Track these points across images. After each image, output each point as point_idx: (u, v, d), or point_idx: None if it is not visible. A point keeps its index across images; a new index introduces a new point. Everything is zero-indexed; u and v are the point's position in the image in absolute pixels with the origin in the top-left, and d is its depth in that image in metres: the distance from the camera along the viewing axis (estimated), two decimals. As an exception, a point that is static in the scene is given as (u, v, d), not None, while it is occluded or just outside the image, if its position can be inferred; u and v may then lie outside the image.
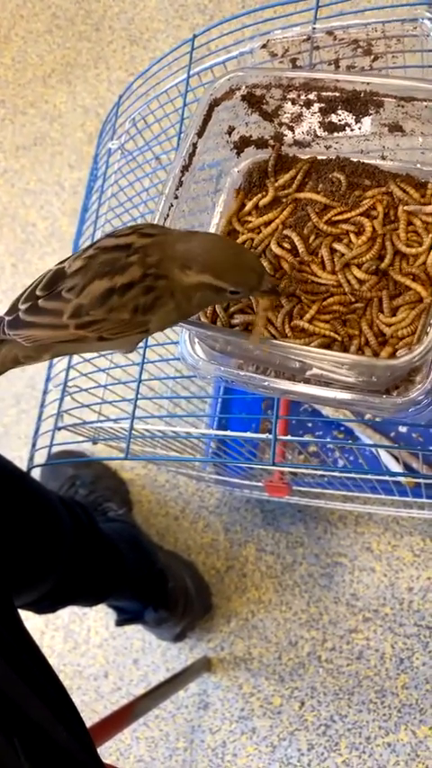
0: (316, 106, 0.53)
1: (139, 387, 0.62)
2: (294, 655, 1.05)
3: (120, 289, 0.44)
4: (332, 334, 0.49)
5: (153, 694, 0.97)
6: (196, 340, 0.52)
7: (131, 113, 0.79)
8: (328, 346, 0.50)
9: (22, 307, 0.47)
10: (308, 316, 0.50)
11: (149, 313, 0.45)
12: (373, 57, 0.57)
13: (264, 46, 0.60)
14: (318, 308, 0.50)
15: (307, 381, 0.48)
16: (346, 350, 0.48)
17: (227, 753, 1.04)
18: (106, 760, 1.12)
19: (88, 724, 0.86)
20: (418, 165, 0.54)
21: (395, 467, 0.91)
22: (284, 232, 0.53)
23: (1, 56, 1.67)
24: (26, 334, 0.46)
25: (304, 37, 0.58)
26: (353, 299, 0.50)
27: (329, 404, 0.46)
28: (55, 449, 0.74)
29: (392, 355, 0.47)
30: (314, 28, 0.59)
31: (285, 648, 1.06)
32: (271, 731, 1.03)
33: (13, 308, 0.48)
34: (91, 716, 1.12)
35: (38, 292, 0.47)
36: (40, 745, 0.46)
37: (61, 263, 0.48)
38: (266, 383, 0.49)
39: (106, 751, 1.10)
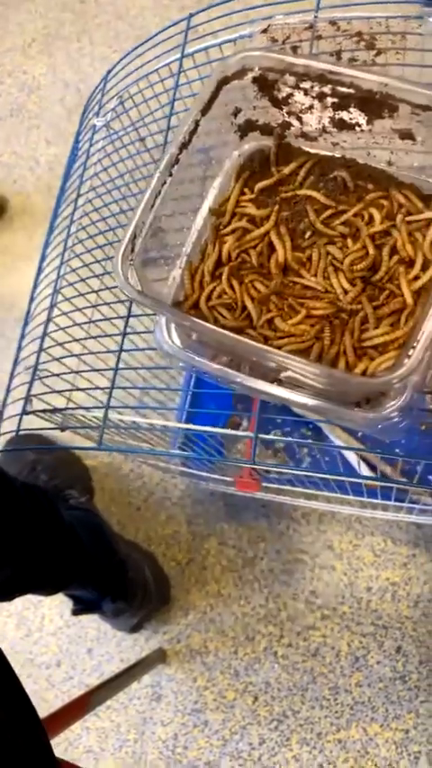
0: (329, 100, 0.51)
1: (115, 375, 0.60)
2: (251, 650, 1.05)
3: None
4: (312, 339, 0.48)
5: (108, 685, 0.96)
6: (173, 327, 0.50)
7: (119, 90, 0.76)
8: (308, 349, 0.49)
9: None
10: (293, 321, 0.49)
11: None
12: (375, 51, 0.56)
13: (264, 31, 0.58)
14: (305, 312, 0.49)
15: (279, 382, 0.47)
16: (325, 354, 0.47)
17: (177, 745, 1.04)
18: (54, 750, 1.10)
19: (39, 714, 0.84)
20: (423, 177, 0.53)
21: (363, 467, 0.91)
22: (281, 229, 0.52)
23: (-21, 19, 1.60)
24: None
25: (306, 24, 0.57)
26: (338, 308, 0.49)
27: (300, 408, 0.45)
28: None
29: (367, 369, 0.46)
30: (316, 16, 0.57)
31: (242, 643, 1.05)
32: (223, 725, 1.03)
33: None
34: (41, 705, 1.10)
35: None
36: None
37: None
38: (239, 379, 0.47)
39: (55, 740, 1.08)
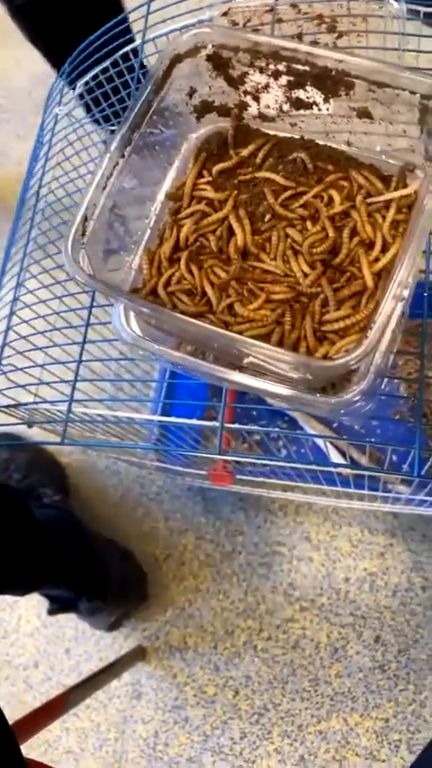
0: (284, 78, 0.50)
1: (78, 368, 0.59)
2: (230, 644, 1.04)
3: None
4: (273, 323, 0.47)
5: (86, 684, 0.94)
6: (132, 314, 0.49)
7: (83, 78, 0.75)
8: (269, 334, 0.48)
9: None
10: (253, 306, 0.48)
11: None
12: (337, 34, 0.55)
13: (225, 14, 0.57)
14: (265, 297, 0.48)
15: (243, 369, 0.46)
16: (286, 338, 0.47)
17: (158, 742, 1.03)
18: (33, 752, 1.08)
19: (16, 716, 0.82)
20: (383, 157, 0.52)
21: (337, 457, 0.91)
22: (240, 213, 0.50)
23: None
24: None
25: (267, 8, 0.56)
26: (298, 292, 0.48)
27: (263, 395, 0.44)
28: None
29: (328, 353, 0.45)
30: (277, -1, 0.56)
31: (221, 638, 1.05)
32: (204, 720, 1.02)
33: None
34: (19, 707, 1.08)
35: None
36: None
37: None
38: (201, 368, 0.46)
39: (34, 742, 1.07)
